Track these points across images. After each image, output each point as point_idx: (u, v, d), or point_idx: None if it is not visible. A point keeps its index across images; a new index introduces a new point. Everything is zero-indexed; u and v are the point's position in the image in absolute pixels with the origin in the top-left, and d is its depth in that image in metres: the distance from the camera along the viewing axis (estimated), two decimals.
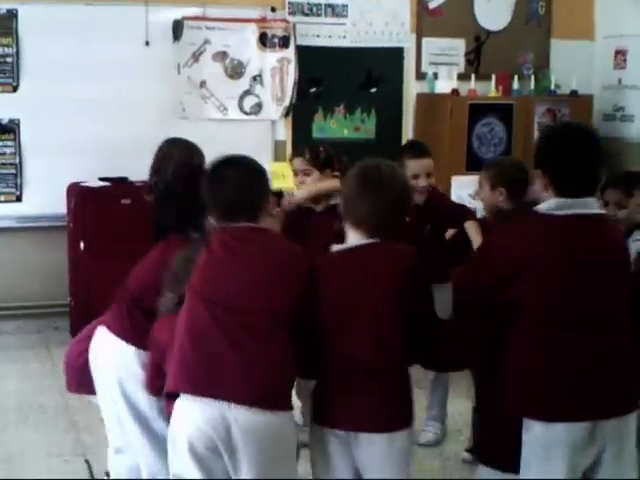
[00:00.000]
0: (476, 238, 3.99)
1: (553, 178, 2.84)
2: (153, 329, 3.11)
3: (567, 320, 2.80)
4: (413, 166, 4.14)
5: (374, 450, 2.79)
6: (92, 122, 5.82)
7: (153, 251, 3.40)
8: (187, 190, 3.36)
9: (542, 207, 2.86)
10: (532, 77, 6.95)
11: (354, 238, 2.86)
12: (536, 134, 6.69)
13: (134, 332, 3.35)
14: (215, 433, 2.69)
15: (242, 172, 2.98)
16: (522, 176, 3.95)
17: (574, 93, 6.92)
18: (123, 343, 3.37)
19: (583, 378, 2.78)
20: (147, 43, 6.03)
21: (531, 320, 2.82)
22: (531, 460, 2.83)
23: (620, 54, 7.08)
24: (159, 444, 3.29)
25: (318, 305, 2.83)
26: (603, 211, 2.99)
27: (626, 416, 2.86)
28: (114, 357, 3.38)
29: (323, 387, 2.87)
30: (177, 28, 6.11)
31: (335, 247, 2.88)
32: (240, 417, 2.69)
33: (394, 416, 2.81)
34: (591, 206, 2.86)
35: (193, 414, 2.72)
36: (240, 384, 2.70)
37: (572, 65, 7.04)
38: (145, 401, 3.33)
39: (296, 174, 4.23)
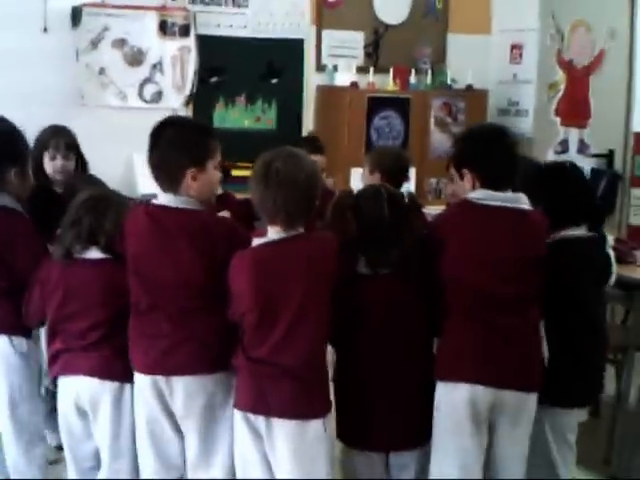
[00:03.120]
0: None
1: (482, 175, 3.14)
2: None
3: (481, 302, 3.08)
4: None
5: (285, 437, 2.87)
6: None
7: None
8: None
9: (473, 196, 3.14)
10: (429, 71, 7.05)
11: (272, 232, 2.89)
12: (432, 128, 6.86)
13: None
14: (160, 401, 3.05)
15: (169, 135, 3.01)
16: (398, 164, 4.22)
17: (470, 88, 7.05)
18: None
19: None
20: (45, 30, 5.92)
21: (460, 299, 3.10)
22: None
23: (516, 48, 7.23)
24: (23, 435, 3.39)
25: (238, 301, 2.91)
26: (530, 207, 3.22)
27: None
28: None
29: (240, 376, 2.96)
30: (76, 15, 6.01)
31: (255, 241, 2.90)
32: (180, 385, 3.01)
33: (306, 405, 2.89)
34: (522, 201, 3.16)
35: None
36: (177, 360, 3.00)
37: (468, 59, 7.18)
38: (20, 387, 3.40)
39: None
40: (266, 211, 2.88)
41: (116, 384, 3.16)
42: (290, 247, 2.88)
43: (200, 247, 2.95)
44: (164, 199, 3.04)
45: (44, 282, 3.24)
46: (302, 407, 2.87)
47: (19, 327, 3.39)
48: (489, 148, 3.22)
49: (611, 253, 3.61)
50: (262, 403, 2.87)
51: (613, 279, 3.60)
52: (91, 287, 3.16)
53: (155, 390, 3.04)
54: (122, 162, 6.10)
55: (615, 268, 3.62)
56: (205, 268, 2.94)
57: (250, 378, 2.90)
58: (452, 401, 3.08)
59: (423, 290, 3.10)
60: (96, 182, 3.96)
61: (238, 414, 2.94)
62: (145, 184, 5.93)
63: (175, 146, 3.00)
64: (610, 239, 3.71)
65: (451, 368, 3.10)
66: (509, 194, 3.16)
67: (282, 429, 2.86)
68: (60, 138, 4.31)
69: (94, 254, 3.19)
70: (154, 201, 3.08)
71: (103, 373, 3.15)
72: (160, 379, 3.02)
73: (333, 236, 2.99)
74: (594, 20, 6.32)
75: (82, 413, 3.22)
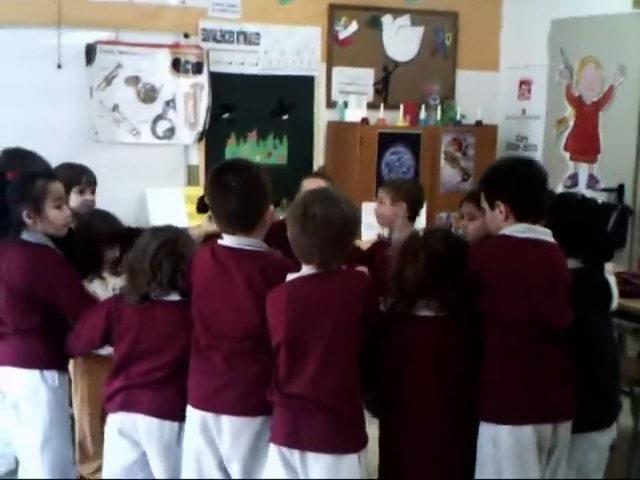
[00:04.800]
0: None
1: (518, 208, 3.15)
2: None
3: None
4: None
5: (320, 471, 2.85)
6: (3, 147, 5.74)
7: None
8: None
9: (510, 230, 3.15)
10: (438, 107, 7.13)
11: (306, 269, 2.92)
12: (442, 163, 6.90)
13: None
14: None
15: (243, 181, 3.01)
16: (421, 193, 4.32)
17: (479, 123, 7.10)
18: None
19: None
20: (59, 66, 5.99)
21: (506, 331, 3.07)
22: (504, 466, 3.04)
23: (524, 84, 7.31)
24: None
25: (273, 334, 2.92)
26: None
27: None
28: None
29: (275, 410, 2.94)
30: (90, 52, 6.09)
31: (289, 276, 2.92)
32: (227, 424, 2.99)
33: (341, 439, 2.87)
34: (547, 234, 3.18)
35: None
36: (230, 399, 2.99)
37: (477, 95, 7.25)
38: (51, 424, 3.37)
39: None
40: (301, 252, 2.90)
41: (175, 424, 3.15)
42: (322, 282, 2.89)
43: (258, 289, 2.95)
44: (232, 241, 3.04)
45: (113, 319, 3.22)
46: (337, 441, 2.85)
47: (53, 361, 3.37)
48: (524, 181, 3.22)
49: (610, 279, 3.61)
50: (297, 437, 2.86)
51: (615, 304, 3.60)
52: (166, 328, 3.17)
53: (203, 426, 3.03)
54: (135, 197, 6.15)
55: (616, 293, 3.61)
56: (261, 310, 2.93)
57: (285, 412, 2.89)
58: (518, 443, 3.05)
59: (475, 331, 3.08)
60: (110, 218, 3.92)
61: (274, 448, 2.92)
62: (157, 219, 5.99)
63: (258, 190, 3.03)
64: (610, 267, 3.71)
65: (515, 412, 3.06)
66: (545, 229, 3.19)
67: (317, 463, 2.84)
68: (90, 174, 4.36)
69: (172, 297, 3.21)
70: (220, 241, 3.09)
71: (164, 413, 3.15)
72: (209, 416, 3.01)
73: (365, 273, 3.02)
74: (603, 56, 6.35)
75: (135, 446, 3.20)
